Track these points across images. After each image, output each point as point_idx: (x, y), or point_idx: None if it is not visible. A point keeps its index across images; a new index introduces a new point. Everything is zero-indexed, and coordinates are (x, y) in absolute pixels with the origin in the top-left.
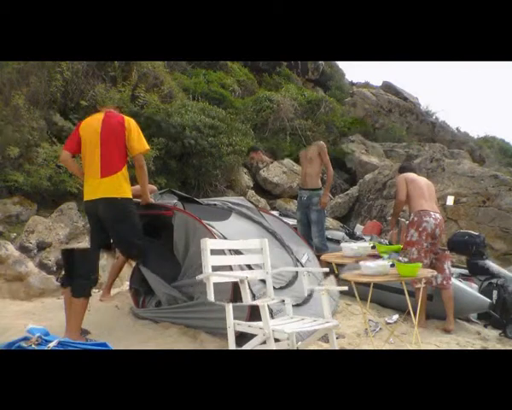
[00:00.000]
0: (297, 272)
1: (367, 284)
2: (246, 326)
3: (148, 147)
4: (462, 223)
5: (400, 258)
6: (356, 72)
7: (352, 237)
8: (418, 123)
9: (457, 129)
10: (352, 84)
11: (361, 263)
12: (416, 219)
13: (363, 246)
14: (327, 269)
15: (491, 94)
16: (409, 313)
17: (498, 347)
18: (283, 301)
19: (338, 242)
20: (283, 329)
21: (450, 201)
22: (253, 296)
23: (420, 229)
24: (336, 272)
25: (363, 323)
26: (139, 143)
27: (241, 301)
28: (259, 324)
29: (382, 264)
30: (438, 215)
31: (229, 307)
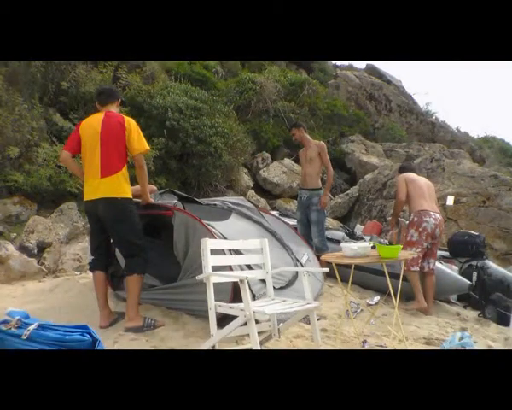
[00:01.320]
0: (297, 271)
1: (348, 266)
2: (227, 308)
3: (148, 147)
4: (462, 223)
5: (382, 240)
6: None
7: (352, 237)
8: (418, 123)
9: (457, 129)
10: (335, 66)
11: (342, 245)
12: (416, 219)
13: (363, 246)
14: (327, 269)
15: (491, 94)
16: (389, 295)
17: (477, 327)
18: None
19: (338, 242)
20: (264, 310)
21: (450, 201)
22: (253, 296)
23: (420, 229)
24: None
25: (345, 304)
26: (139, 143)
27: (241, 301)
28: (240, 305)
29: (363, 246)
30: (438, 215)
31: (211, 288)
